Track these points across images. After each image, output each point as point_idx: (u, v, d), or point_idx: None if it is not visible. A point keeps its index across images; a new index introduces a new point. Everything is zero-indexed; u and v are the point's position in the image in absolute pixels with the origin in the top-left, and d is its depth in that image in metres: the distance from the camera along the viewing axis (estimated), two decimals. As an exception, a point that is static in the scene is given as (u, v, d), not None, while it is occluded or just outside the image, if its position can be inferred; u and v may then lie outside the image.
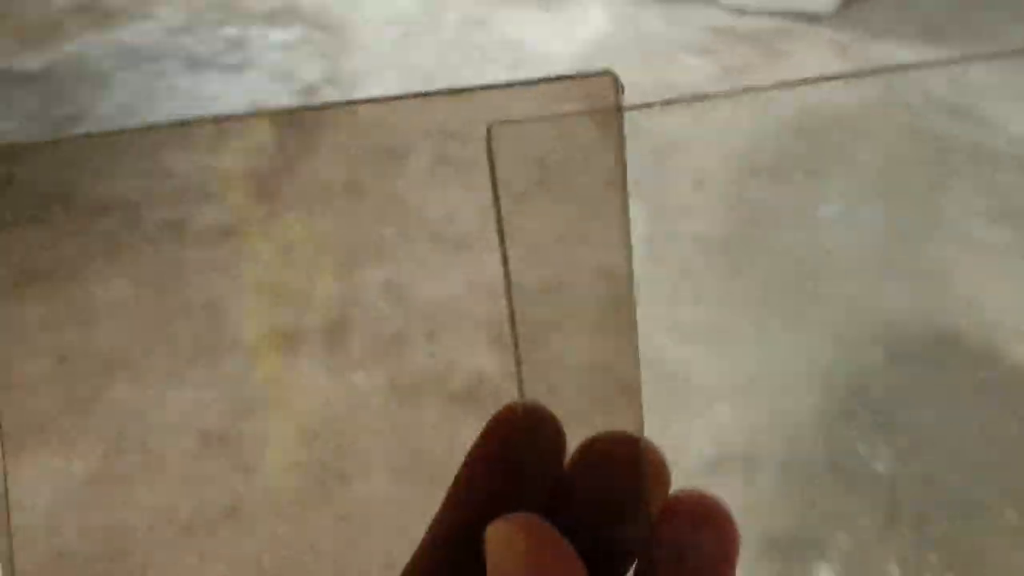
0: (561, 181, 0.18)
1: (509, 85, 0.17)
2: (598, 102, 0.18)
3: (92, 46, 1.42)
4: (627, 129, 0.17)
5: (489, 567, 0.17)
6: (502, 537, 0.17)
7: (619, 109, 0.17)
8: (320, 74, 1.39)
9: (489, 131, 0.18)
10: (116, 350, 0.77)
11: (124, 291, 0.82)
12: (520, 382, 0.18)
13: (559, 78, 0.18)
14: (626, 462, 0.17)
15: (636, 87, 0.18)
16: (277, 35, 1.47)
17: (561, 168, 0.18)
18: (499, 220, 0.18)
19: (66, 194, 0.91)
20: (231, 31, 1.47)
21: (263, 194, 0.88)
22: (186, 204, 0.93)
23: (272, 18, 1.52)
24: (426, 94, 0.17)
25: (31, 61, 1.38)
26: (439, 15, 1.54)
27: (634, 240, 0.17)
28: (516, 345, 0.18)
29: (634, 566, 0.18)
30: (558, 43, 1.45)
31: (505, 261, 0.18)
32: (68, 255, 0.87)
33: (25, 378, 0.70)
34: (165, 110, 1.29)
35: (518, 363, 0.18)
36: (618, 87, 0.17)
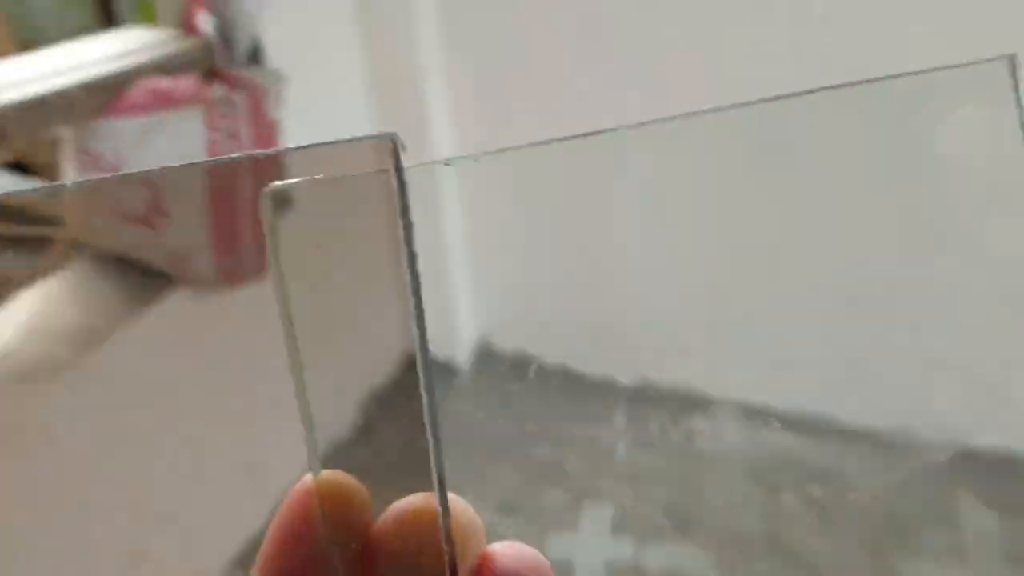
0: (344, 247, 0.18)
1: (294, 149, 0.16)
2: (380, 164, 0.18)
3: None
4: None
5: None
6: None
7: (398, 170, 0.17)
8: None
9: (264, 195, 0.17)
10: None
11: None
12: (312, 454, 0.17)
13: (340, 142, 0.17)
14: (430, 524, 0.17)
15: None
16: None
17: (344, 233, 0.18)
18: (280, 288, 0.17)
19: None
20: None
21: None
22: None
23: None
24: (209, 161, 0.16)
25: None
26: None
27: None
28: (309, 420, 0.17)
29: None
30: None
31: (289, 336, 0.17)
32: None
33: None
34: None
35: (311, 438, 0.17)
36: (398, 149, 0.17)
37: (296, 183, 0.17)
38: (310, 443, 0.17)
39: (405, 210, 0.17)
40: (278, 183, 0.17)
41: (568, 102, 1.12)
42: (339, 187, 0.17)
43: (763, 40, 1.04)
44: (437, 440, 0.17)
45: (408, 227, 0.17)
